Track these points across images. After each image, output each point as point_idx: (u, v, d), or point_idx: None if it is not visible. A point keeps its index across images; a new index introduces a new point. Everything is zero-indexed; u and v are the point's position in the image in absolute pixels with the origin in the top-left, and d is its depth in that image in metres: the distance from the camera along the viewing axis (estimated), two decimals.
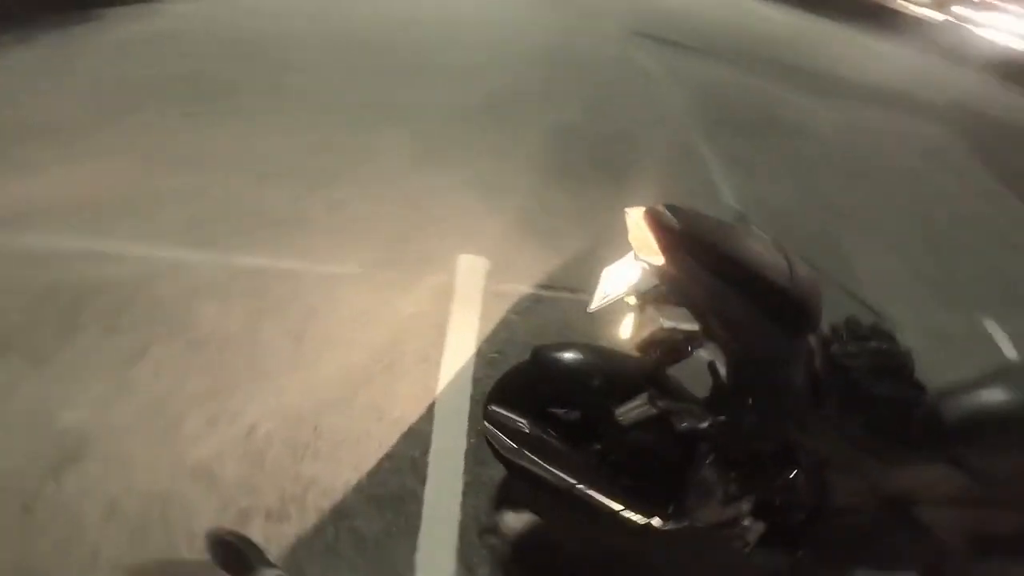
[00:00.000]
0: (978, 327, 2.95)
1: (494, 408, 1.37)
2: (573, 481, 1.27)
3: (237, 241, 2.17)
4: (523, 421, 1.32)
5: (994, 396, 1.09)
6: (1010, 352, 2.80)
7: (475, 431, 1.69)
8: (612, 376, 1.29)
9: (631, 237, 1.14)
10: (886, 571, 1.40)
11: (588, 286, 2.29)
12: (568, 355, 1.35)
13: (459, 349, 1.96)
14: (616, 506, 1.26)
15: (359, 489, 1.48)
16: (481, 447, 1.60)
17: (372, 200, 2.60)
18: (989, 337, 2.90)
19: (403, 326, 2.00)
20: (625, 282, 1.15)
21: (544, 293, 2.31)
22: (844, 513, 1.20)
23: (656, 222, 1.07)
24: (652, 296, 1.15)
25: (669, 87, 5.28)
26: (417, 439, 1.66)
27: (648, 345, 1.20)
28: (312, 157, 2.81)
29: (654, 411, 1.18)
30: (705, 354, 1.17)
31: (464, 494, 1.54)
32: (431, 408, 1.75)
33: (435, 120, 3.51)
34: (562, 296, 2.32)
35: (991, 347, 2.83)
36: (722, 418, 1.13)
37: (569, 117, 4.08)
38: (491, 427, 1.38)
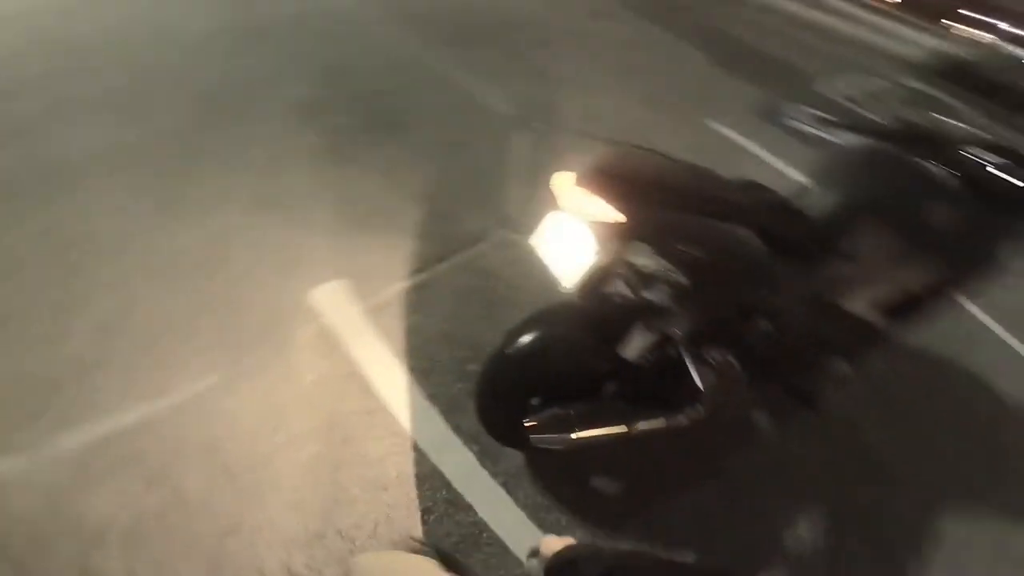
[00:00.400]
0: None
1: (532, 421, 1.39)
2: (624, 429, 1.39)
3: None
4: (563, 411, 1.38)
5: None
6: None
7: (475, 443, 1.69)
8: (598, 325, 1.38)
9: (567, 205, 1.18)
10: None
11: (457, 243, 2.39)
12: (547, 333, 1.40)
13: (391, 384, 1.81)
14: (659, 423, 1.42)
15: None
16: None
17: (155, 280, 1.94)
18: None
19: (317, 398, 1.73)
20: (585, 249, 1.19)
21: (422, 277, 2.17)
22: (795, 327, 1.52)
23: (602, 183, 1.13)
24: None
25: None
26: (434, 479, 1.60)
27: (604, 283, 1.29)
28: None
29: (653, 336, 1.33)
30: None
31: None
32: (418, 448, 1.66)
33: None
34: (440, 270, 2.23)
35: None
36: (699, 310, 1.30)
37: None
38: (539, 437, 1.39)
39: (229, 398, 1.66)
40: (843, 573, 1.72)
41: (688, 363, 1.37)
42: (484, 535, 1.52)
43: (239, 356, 1.77)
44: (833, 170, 1.64)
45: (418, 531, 1.49)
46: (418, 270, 2.19)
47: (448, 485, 1.60)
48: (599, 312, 1.39)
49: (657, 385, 1.44)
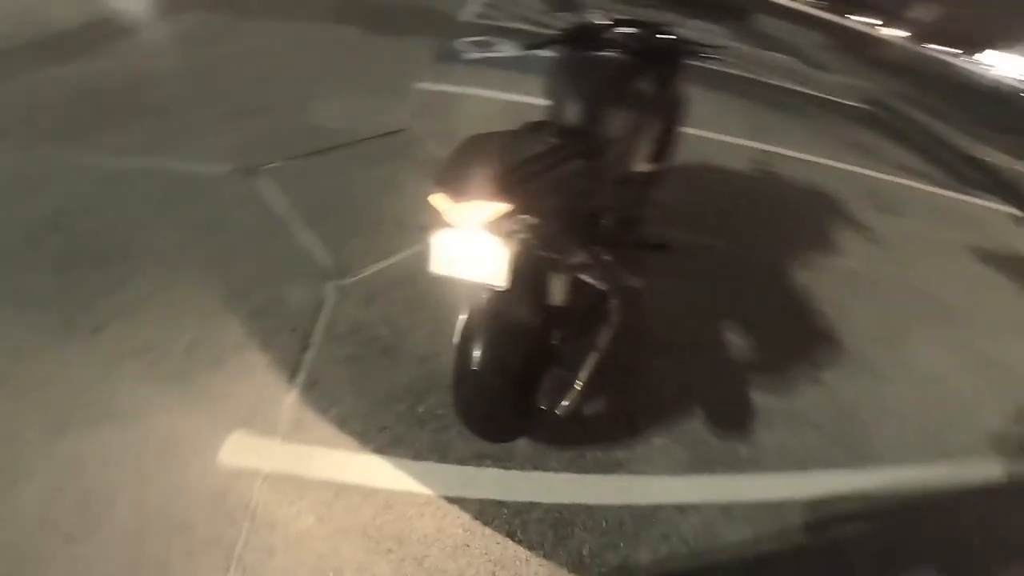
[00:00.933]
0: None
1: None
2: (598, 353, 1.61)
3: None
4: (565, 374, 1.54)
5: None
6: None
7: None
8: (524, 294, 1.44)
9: (452, 218, 1.21)
10: None
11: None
12: (495, 325, 1.43)
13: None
14: (608, 330, 1.64)
15: None
16: None
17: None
18: None
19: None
20: (488, 253, 1.22)
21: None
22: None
23: (470, 190, 1.18)
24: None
25: None
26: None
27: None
28: None
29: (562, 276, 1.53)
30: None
31: None
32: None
33: None
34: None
35: None
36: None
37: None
38: (564, 407, 1.55)
39: None
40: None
41: (588, 278, 1.59)
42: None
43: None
44: (548, 83, 1.89)
45: None
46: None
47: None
48: (521, 282, 1.42)
49: (583, 309, 1.63)
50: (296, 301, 2.11)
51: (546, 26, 6.48)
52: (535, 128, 1.64)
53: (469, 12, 6.59)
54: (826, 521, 1.83)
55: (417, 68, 4.49)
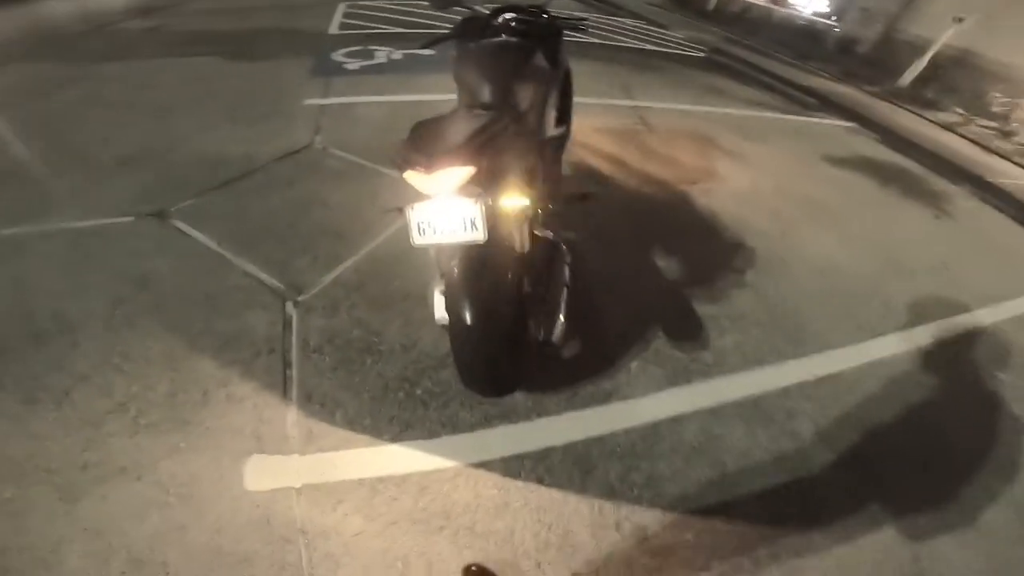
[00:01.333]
0: None
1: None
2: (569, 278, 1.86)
3: None
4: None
5: None
6: None
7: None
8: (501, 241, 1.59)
9: (428, 188, 1.35)
10: None
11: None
12: (487, 281, 1.53)
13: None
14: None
15: None
16: None
17: None
18: None
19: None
20: (465, 213, 1.36)
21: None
22: None
23: (437, 161, 1.31)
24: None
25: None
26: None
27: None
28: None
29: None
30: None
31: None
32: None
33: None
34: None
35: None
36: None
37: None
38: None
39: None
40: None
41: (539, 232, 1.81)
42: None
43: None
44: (458, 71, 2.06)
45: None
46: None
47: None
48: (493, 235, 1.53)
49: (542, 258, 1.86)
50: (261, 325, 2.06)
51: (410, 26, 6.55)
52: (466, 109, 1.77)
53: (335, 26, 6.45)
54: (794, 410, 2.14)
55: (300, 86, 4.36)
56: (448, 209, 1.36)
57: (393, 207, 1.48)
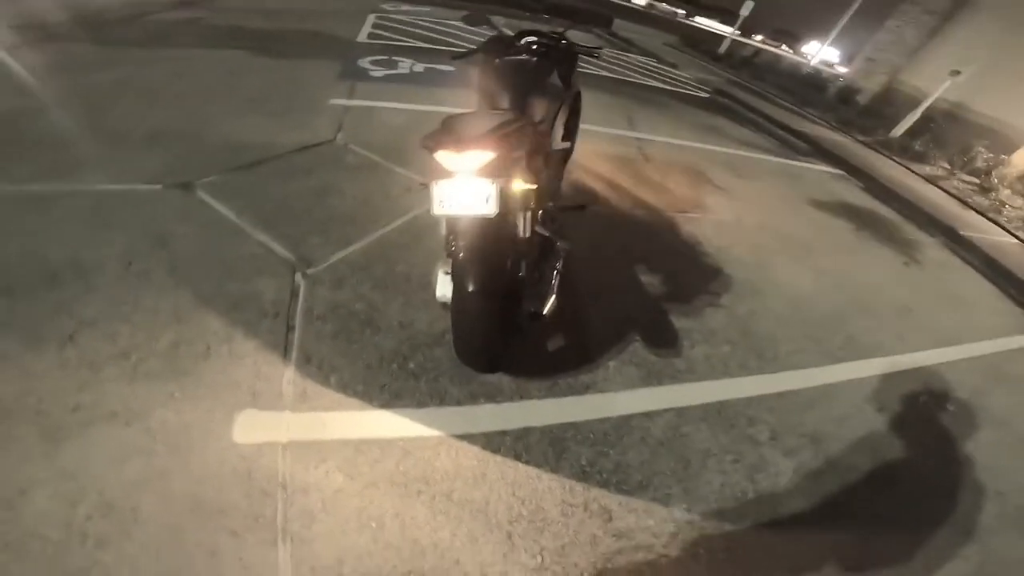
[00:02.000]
0: None
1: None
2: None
3: None
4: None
5: None
6: None
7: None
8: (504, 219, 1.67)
9: (454, 167, 1.51)
10: None
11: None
12: (488, 249, 1.62)
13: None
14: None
15: None
16: None
17: None
18: None
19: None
20: (482, 190, 1.53)
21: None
22: None
23: (465, 145, 1.48)
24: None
25: None
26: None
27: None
28: None
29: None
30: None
31: None
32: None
33: None
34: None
35: None
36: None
37: None
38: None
39: None
40: None
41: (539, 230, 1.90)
42: None
43: None
44: (481, 82, 2.28)
45: None
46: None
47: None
48: (502, 213, 1.64)
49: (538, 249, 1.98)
50: (270, 291, 2.11)
51: (432, 42, 6.73)
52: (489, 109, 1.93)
53: (364, 35, 6.63)
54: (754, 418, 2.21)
55: (327, 87, 4.48)
56: (467, 186, 1.52)
57: (422, 181, 1.61)
